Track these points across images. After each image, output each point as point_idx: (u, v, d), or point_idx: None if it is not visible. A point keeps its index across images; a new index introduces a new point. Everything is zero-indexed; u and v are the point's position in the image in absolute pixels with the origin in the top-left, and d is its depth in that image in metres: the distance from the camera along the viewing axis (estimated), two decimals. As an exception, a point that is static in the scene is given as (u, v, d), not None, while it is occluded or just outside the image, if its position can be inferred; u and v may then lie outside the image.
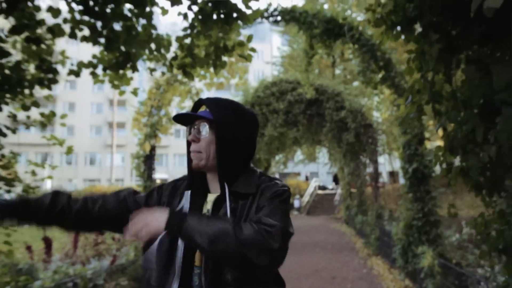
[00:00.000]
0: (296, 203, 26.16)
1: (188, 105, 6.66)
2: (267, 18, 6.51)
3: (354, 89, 13.47)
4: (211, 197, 1.39)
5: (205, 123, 1.36)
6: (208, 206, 1.37)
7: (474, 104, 1.95)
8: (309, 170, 40.31)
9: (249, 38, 3.15)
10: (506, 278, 2.37)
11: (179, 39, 2.82)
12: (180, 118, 1.40)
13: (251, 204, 1.30)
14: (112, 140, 39.31)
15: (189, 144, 1.40)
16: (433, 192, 5.98)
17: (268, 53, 45.52)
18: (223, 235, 1.15)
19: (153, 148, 6.70)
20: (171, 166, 40.52)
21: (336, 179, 27.15)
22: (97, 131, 41.54)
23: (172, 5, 2.56)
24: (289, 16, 6.37)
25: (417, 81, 2.31)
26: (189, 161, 1.41)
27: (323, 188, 33.74)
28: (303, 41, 7.68)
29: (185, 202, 1.39)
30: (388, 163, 25.13)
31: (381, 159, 23.13)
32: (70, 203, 1.36)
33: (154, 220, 1.18)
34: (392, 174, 25.85)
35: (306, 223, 18.62)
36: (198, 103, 1.42)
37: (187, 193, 1.39)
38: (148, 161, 6.65)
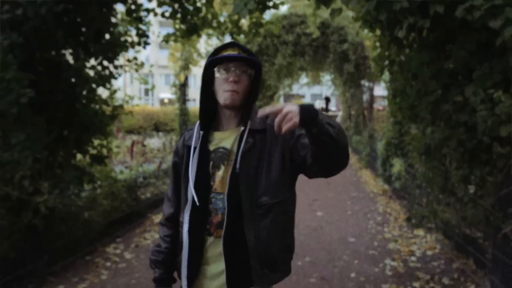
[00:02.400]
0: (300, 124, 27.81)
1: (213, 43, 8.01)
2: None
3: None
4: (222, 135, 1.50)
5: (248, 67, 1.44)
6: (222, 143, 1.48)
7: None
8: (313, 92, 41.55)
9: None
10: (424, 170, 4.05)
11: (229, 18, 4.24)
12: (218, 58, 1.44)
13: (266, 139, 1.43)
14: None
15: (205, 82, 1.49)
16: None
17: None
18: (343, 130, 1.29)
19: (186, 78, 8.22)
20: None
21: (327, 100, 28.19)
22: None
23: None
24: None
25: (380, 52, 3.81)
26: (203, 98, 1.50)
27: (326, 109, 35.29)
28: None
29: (196, 144, 1.48)
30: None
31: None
32: (172, 242, 1.55)
33: (292, 109, 1.19)
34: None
35: (308, 142, 20.48)
36: (229, 45, 1.47)
37: (201, 134, 1.49)
38: (182, 88, 8.21)
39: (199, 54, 8.01)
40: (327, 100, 29.01)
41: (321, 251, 4.73)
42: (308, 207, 6.98)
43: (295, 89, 29.17)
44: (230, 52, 1.43)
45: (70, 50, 4.15)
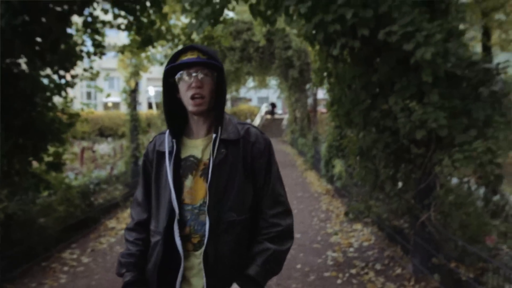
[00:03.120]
0: (248, 127, 28.41)
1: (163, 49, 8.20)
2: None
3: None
4: (194, 143, 1.46)
5: (210, 70, 1.40)
6: (193, 151, 1.45)
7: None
8: (260, 95, 42.36)
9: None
10: (358, 170, 4.58)
11: (183, 30, 4.54)
12: (177, 64, 1.41)
13: (238, 150, 1.42)
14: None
15: (167, 89, 1.45)
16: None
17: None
18: (286, 253, 1.47)
19: (136, 84, 8.34)
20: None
21: (273, 106, 28.85)
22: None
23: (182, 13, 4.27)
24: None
25: (319, 65, 4.30)
26: (169, 106, 1.47)
27: (272, 113, 36.17)
28: None
29: (172, 151, 1.44)
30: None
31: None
32: (145, 246, 1.50)
33: None
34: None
35: (256, 145, 21.01)
36: (188, 49, 1.43)
37: (174, 141, 1.45)
38: (133, 94, 8.33)
39: (149, 61, 8.17)
40: (273, 106, 29.74)
41: (270, 246, 5.14)
42: (257, 207, 7.39)
43: (242, 92, 29.76)
44: (189, 57, 1.40)
45: (25, 60, 4.25)
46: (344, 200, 7.44)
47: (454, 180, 4.04)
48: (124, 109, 8.97)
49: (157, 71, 8.62)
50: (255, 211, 1.46)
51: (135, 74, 8.17)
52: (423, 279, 3.88)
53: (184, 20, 5.18)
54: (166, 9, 4.44)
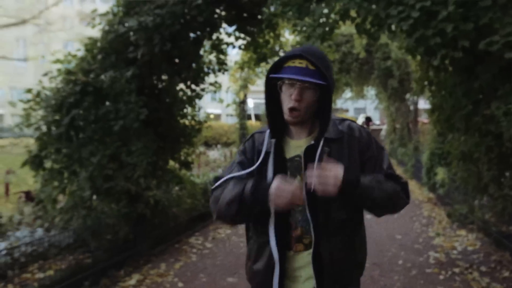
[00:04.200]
0: (344, 138, 28.29)
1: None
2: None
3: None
4: (298, 143, 1.45)
5: (313, 88, 1.36)
6: (298, 151, 1.43)
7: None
8: (356, 106, 41.78)
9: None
10: (461, 173, 4.72)
11: (294, 47, 5.24)
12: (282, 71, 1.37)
13: (342, 148, 1.41)
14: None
15: (269, 93, 1.44)
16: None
17: None
18: (397, 195, 1.40)
19: (245, 96, 9.25)
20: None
21: (368, 121, 28.15)
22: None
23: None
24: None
25: (420, 75, 4.59)
26: (271, 105, 1.45)
27: (367, 125, 35.40)
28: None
29: (270, 151, 1.43)
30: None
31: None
32: None
33: (333, 174, 1.28)
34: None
35: (353, 155, 20.98)
36: (297, 56, 1.37)
37: (273, 142, 1.43)
38: (242, 105, 9.25)
39: (256, 75, 9.00)
40: (368, 120, 29.13)
41: (371, 244, 5.44)
42: (357, 211, 7.70)
43: (339, 103, 29.80)
44: (297, 65, 1.35)
45: (166, 77, 5.24)
46: (447, 208, 7.38)
47: None
48: (224, 119, 9.94)
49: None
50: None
51: (244, 86, 9.06)
52: (530, 282, 3.92)
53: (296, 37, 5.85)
54: (279, 29, 5.14)
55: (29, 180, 5.49)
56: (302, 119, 1.41)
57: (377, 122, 36.68)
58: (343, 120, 1.51)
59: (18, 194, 4.79)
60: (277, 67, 1.41)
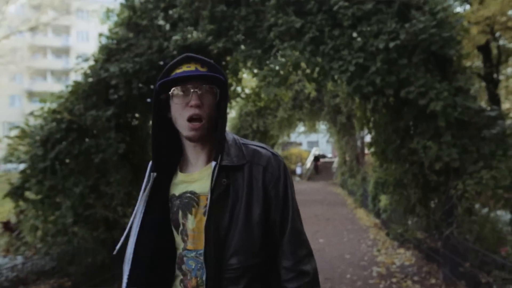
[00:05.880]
0: (298, 170, 29.48)
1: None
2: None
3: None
4: (190, 177, 1.22)
5: (212, 85, 1.17)
6: (192, 186, 1.21)
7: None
8: (309, 140, 43.56)
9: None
10: (394, 196, 5.59)
11: (253, 90, 6.02)
12: (171, 79, 1.16)
13: (243, 178, 1.18)
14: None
15: (157, 109, 1.22)
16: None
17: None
18: None
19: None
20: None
21: (316, 160, 29.80)
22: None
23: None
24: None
25: (360, 115, 5.50)
26: (158, 130, 1.23)
27: (322, 156, 37.01)
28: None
29: (146, 187, 1.22)
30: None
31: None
32: None
33: None
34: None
35: (308, 187, 21.89)
36: (183, 60, 1.18)
37: (152, 176, 1.22)
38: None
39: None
40: (316, 159, 30.67)
41: (324, 263, 6.17)
42: (312, 235, 8.42)
43: (293, 137, 31.18)
44: (185, 70, 1.16)
45: (138, 115, 5.81)
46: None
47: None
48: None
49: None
50: (269, 255, 1.20)
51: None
52: (452, 285, 4.75)
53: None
54: (240, 74, 5.88)
55: (3, 213, 5.77)
56: (208, 132, 1.19)
57: (330, 155, 38.48)
58: (252, 144, 1.26)
59: (-4, 224, 5.07)
60: (164, 84, 1.18)
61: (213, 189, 1.16)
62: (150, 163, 1.27)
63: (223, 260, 1.15)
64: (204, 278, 1.16)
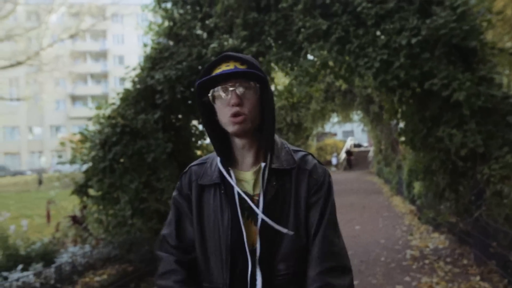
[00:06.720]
0: (334, 160, 29.63)
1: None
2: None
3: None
4: (245, 175, 1.21)
5: (251, 82, 1.16)
6: (245, 186, 1.20)
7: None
8: (344, 129, 43.25)
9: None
10: (424, 182, 5.84)
11: (286, 87, 6.41)
12: (209, 78, 1.16)
13: (291, 182, 1.19)
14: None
15: (204, 111, 1.21)
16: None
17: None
18: None
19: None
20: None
21: (349, 154, 29.50)
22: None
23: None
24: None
25: (388, 106, 5.78)
26: (214, 132, 1.22)
27: (358, 145, 36.77)
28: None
29: (231, 180, 1.19)
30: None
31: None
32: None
33: None
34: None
35: (343, 177, 21.99)
36: (222, 59, 1.17)
37: (231, 171, 1.20)
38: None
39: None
40: (349, 153, 30.40)
41: (359, 248, 6.52)
42: (347, 223, 8.76)
43: (327, 127, 31.22)
44: (223, 69, 1.15)
45: (181, 116, 6.35)
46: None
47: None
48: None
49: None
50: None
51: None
52: (482, 264, 4.99)
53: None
54: (274, 74, 6.29)
55: (68, 208, 6.49)
56: (253, 127, 1.19)
57: (365, 144, 38.17)
58: (300, 151, 1.28)
59: (66, 218, 5.75)
60: (203, 84, 1.19)
61: (265, 192, 1.17)
62: (211, 161, 1.28)
63: (274, 265, 1.15)
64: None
